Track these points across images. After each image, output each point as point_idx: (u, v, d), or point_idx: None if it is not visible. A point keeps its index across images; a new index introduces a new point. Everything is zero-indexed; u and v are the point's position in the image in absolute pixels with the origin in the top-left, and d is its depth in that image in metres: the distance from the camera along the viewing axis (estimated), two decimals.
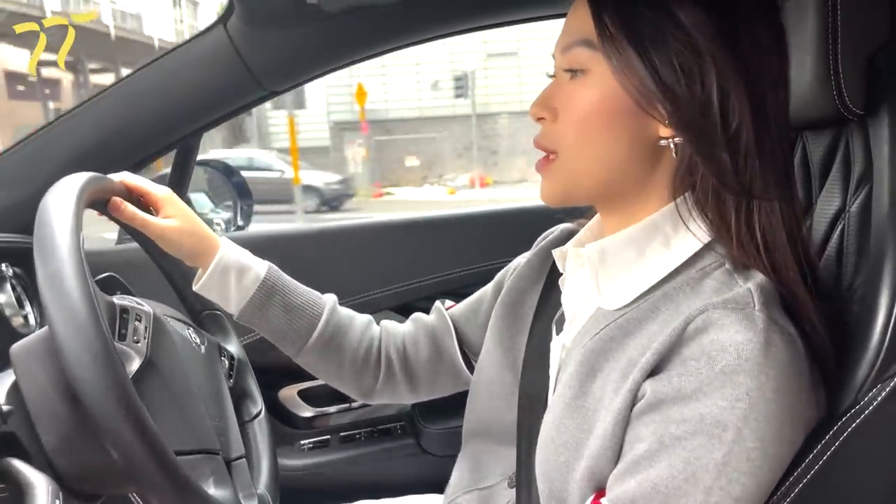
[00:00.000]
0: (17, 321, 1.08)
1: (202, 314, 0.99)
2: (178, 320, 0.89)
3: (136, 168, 1.23)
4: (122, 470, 0.62)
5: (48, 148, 1.19)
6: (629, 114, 0.67)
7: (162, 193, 0.87)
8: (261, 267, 0.90)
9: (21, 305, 1.11)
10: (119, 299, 0.78)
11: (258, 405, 1.00)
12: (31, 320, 1.11)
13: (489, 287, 0.97)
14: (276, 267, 0.91)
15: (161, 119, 1.21)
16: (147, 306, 0.80)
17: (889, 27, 0.74)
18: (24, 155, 1.20)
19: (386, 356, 0.96)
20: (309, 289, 0.94)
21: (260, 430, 0.98)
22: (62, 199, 0.69)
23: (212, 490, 0.74)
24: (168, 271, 0.96)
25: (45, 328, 0.66)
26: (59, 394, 0.70)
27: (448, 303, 1.01)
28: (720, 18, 0.65)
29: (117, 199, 0.82)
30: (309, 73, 1.24)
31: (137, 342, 0.75)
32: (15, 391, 0.71)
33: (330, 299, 0.95)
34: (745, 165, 0.65)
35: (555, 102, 0.71)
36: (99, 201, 0.81)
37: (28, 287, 1.13)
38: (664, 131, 0.67)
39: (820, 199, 0.82)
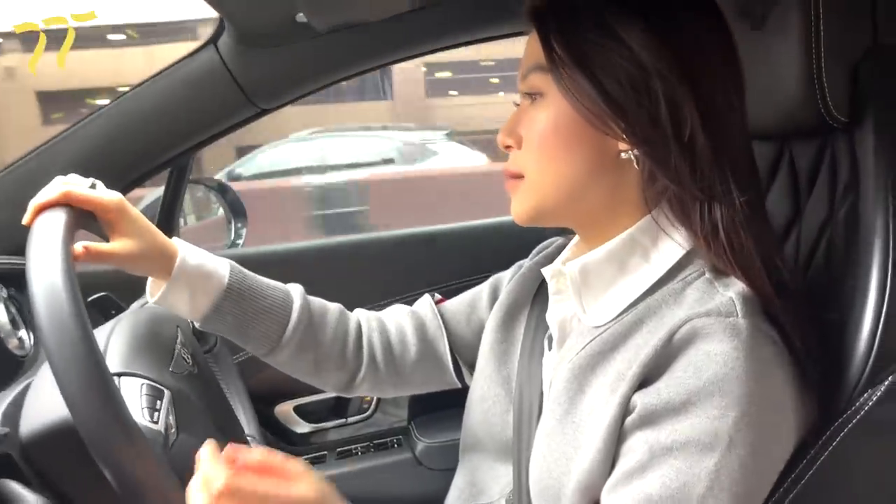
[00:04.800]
0: (12, 343, 1.08)
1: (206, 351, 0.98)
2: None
3: (131, 187, 1.23)
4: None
5: (40, 169, 1.18)
6: (586, 131, 0.68)
7: (113, 204, 0.77)
8: (223, 271, 0.84)
9: (16, 327, 1.10)
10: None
11: (248, 428, 0.96)
12: (27, 343, 1.10)
13: (484, 290, 0.96)
14: (238, 267, 0.86)
15: (154, 139, 1.21)
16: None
17: (872, 34, 0.75)
18: (16, 176, 1.19)
19: (369, 349, 0.94)
20: (274, 285, 0.89)
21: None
22: (53, 220, 0.70)
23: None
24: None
25: None
26: None
27: (437, 297, 0.99)
28: (663, 34, 0.66)
29: (75, 250, 0.72)
30: (300, 90, 1.24)
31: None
32: (11, 413, 0.71)
33: (297, 294, 0.90)
34: (703, 170, 0.66)
35: (519, 128, 0.73)
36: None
37: (22, 309, 1.13)
38: (623, 144, 0.68)
39: (808, 207, 0.83)
